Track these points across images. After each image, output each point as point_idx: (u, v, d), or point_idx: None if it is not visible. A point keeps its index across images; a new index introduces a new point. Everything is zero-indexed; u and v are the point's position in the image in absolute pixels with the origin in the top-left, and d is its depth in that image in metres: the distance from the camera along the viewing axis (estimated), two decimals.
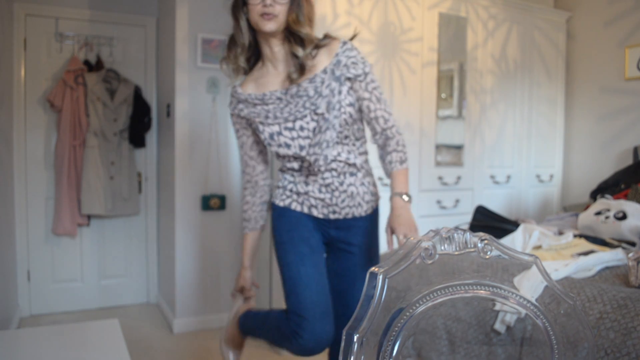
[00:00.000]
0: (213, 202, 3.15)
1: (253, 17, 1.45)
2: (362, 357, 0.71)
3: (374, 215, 1.62)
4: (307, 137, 1.49)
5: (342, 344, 0.73)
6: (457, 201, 3.27)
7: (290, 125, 1.50)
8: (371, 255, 1.58)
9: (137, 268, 3.64)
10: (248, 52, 1.53)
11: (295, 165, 1.54)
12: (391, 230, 1.43)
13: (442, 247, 0.79)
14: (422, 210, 3.15)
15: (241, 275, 1.71)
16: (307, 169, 1.53)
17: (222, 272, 3.23)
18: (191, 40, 3.04)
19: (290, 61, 1.51)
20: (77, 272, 3.46)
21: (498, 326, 1.61)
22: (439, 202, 3.21)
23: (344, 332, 0.72)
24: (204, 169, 3.14)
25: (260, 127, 1.53)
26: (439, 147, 3.19)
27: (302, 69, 1.48)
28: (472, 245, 0.81)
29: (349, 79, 1.50)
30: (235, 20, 1.51)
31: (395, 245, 1.46)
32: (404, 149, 1.53)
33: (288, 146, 1.50)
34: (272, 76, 1.54)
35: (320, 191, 1.53)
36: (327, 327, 1.45)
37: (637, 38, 3.32)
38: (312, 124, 1.48)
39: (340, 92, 1.49)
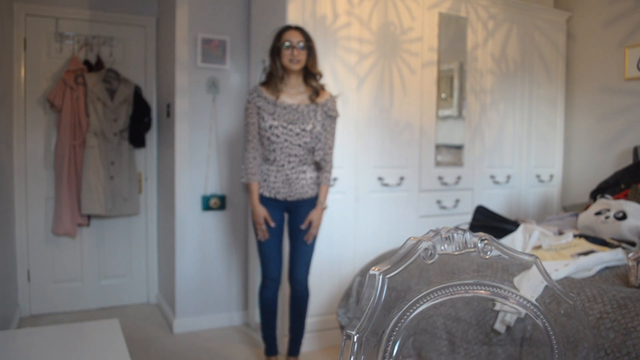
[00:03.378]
0: (213, 202, 3.15)
1: (284, 61, 2.33)
2: (362, 357, 0.71)
3: (315, 198, 2.48)
4: (290, 136, 2.34)
5: (342, 344, 0.73)
6: (457, 201, 3.27)
7: (284, 124, 2.34)
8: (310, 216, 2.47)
9: (137, 268, 3.64)
10: (280, 82, 2.38)
11: (271, 157, 2.37)
12: (309, 221, 2.44)
13: (442, 247, 0.79)
14: (422, 210, 3.15)
15: (260, 211, 2.41)
16: (279, 163, 2.37)
17: (222, 272, 3.24)
18: (191, 40, 3.04)
19: (296, 87, 2.40)
20: (77, 272, 3.46)
21: (498, 326, 1.61)
22: (439, 202, 3.21)
23: (344, 332, 0.72)
24: (204, 169, 3.14)
25: (266, 117, 2.35)
26: (439, 147, 3.19)
27: (317, 93, 2.39)
28: (472, 245, 0.81)
29: (327, 115, 2.41)
30: (272, 61, 2.37)
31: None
32: (331, 173, 2.48)
33: (277, 136, 2.34)
34: (283, 92, 2.39)
35: (283, 183, 2.39)
36: (277, 271, 2.48)
37: (637, 38, 3.32)
38: (297, 130, 2.34)
39: (323, 124, 2.41)
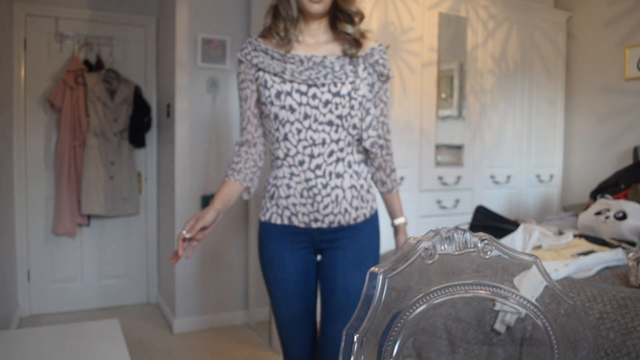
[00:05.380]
0: None
1: None
2: (362, 357, 0.71)
3: (366, 223, 1.45)
4: (315, 107, 1.36)
5: (342, 344, 0.73)
6: (457, 201, 3.27)
7: (302, 88, 1.36)
8: (363, 255, 1.44)
9: (137, 268, 3.64)
10: (294, 25, 1.42)
11: (281, 151, 1.41)
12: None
13: (442, 247, 0.79)
14: (422, 210, 3.15)
15: (205, 212, 1.43)
16: (294, 159, 1.39)
17: (222, 272, 3.23)
18: (191, 40, 3.04)
19: (317, 35, 1.45)
20: (77, 272, 3.46)
21: (498, 326, 1.61)
22: (439, 202, 3.21)
23: (344, 332, 0.72)
24: (204, 169, 3.14)
25: (270, 82, 1.38)
26: (439, 147, 3.19)
27: (357, 44, 1.42)
28: (472, 245, 0.81)
29: (376, 72, 1.46)
30: None
31: None
32: (396, 172, 1.56)
33: (293, 110, 1.36)
34: (296, 43, 1.44)
35: (301, 195, 1.39)
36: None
37: (637, 38, 3.32)
38: (326, 95, 1.36)
39: (371, 85, 1.44)
